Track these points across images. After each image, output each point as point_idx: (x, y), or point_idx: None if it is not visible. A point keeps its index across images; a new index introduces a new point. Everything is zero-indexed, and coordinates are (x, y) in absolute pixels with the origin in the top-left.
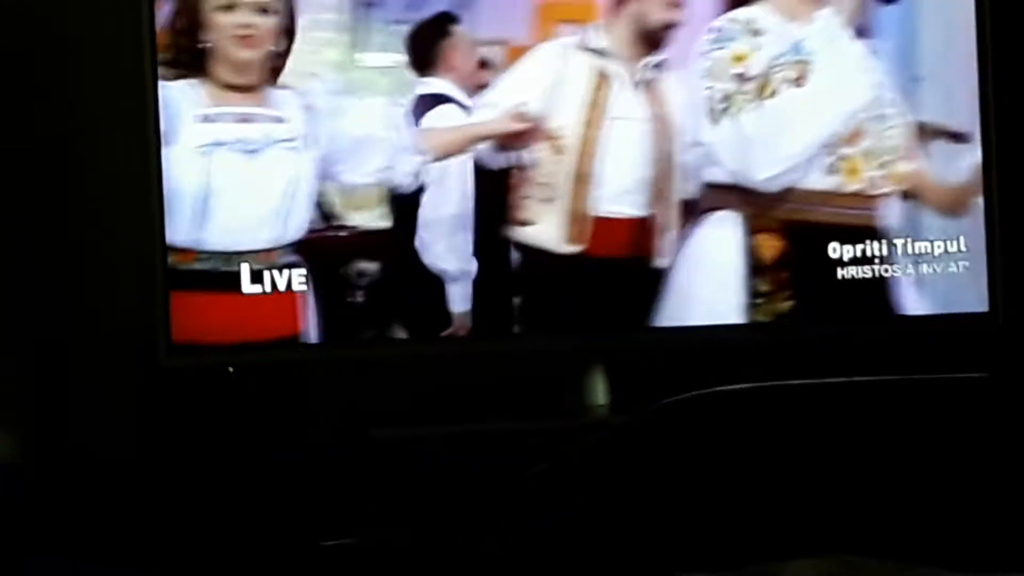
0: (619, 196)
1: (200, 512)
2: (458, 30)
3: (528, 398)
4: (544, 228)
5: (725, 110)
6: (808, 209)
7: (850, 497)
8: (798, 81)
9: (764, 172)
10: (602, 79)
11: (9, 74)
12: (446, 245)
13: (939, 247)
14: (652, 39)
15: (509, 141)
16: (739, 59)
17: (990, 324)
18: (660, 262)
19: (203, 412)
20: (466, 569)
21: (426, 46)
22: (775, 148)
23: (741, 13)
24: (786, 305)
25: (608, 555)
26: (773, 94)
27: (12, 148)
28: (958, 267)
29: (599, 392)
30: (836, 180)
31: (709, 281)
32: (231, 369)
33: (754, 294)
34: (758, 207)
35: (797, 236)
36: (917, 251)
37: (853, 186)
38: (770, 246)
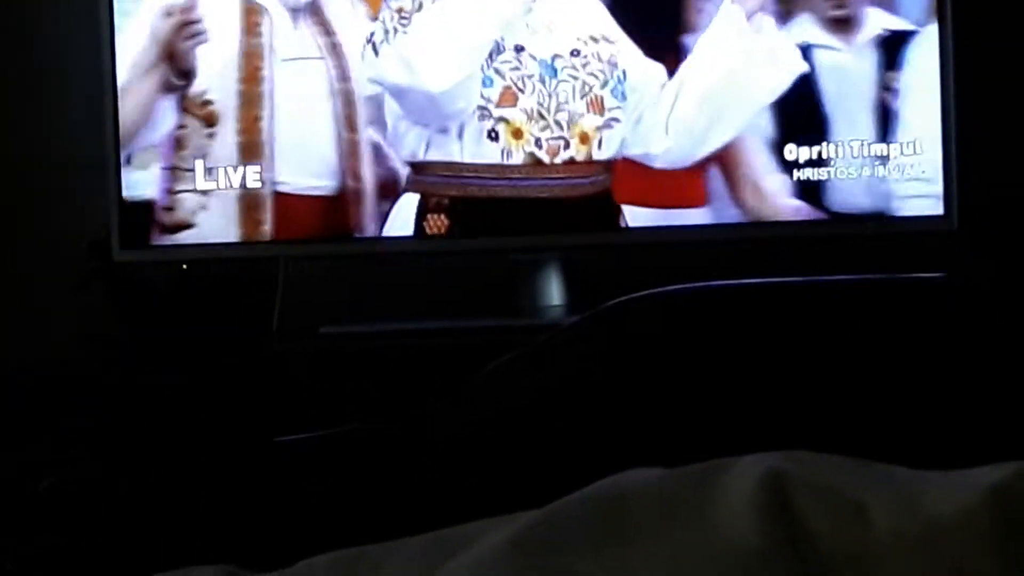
0: (303, 165)
1: (151, 412)
2: None
3: (482, 297)
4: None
5: (383, 40)
6: (477, 184)
7: (804, 396)
8: None
9: (440, 85)
10: (252, 13)
11: None
12: None
13: (895, 150)
14: None
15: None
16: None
17: (944, 227)
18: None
19: (156, 308)
20: (417, 462)
21: None
22: (441, 59)
23: None
24: None
25: (557, 452)
26: (420, 7)
27: None
28: (914, 170)
29: (553, 292)
30: (498, 147)
31: None
32: (184, 266)
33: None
34: (428, 185)
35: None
36: (872, 153)
37: (522, 152)
38: (436, 225)
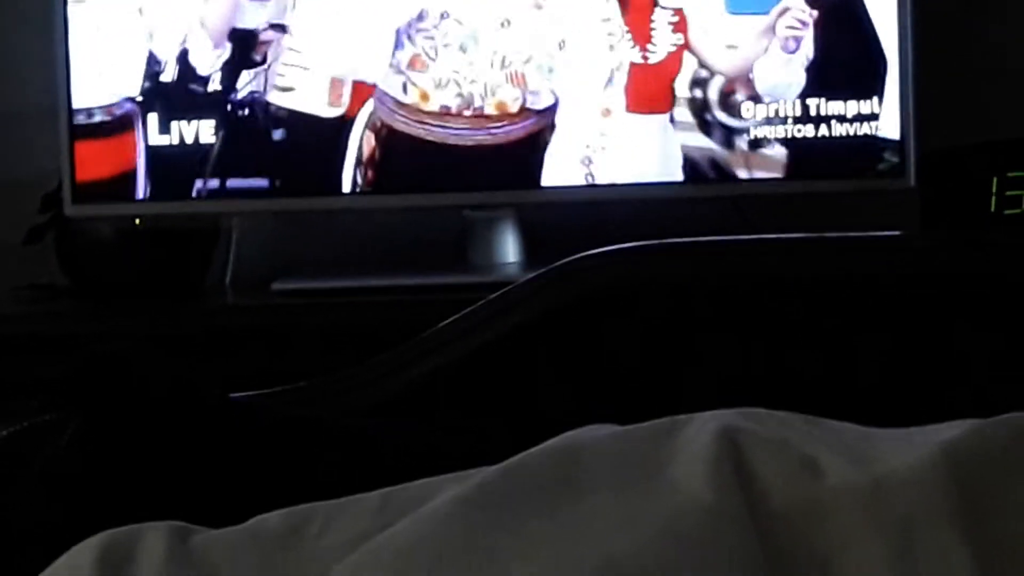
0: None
1: (105, 365)
2: None
3: (436, 253)
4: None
5: None
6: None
7: (765, 353)
8: None
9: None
10: None
11: None
12: None
13: (852, 108)
14: None
15: None
16: None
17: (901, 185)
18: None
19: (106, 261)
20: (362, 419)
21: None
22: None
23: None
24: None
25: (509, 409)
26: None
27: None
28: (872, 128)
29: (509, 248)
30: (412, 99)
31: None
32: (138, 221)
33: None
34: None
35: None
36: (829, 112)
37: (430, 107)
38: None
